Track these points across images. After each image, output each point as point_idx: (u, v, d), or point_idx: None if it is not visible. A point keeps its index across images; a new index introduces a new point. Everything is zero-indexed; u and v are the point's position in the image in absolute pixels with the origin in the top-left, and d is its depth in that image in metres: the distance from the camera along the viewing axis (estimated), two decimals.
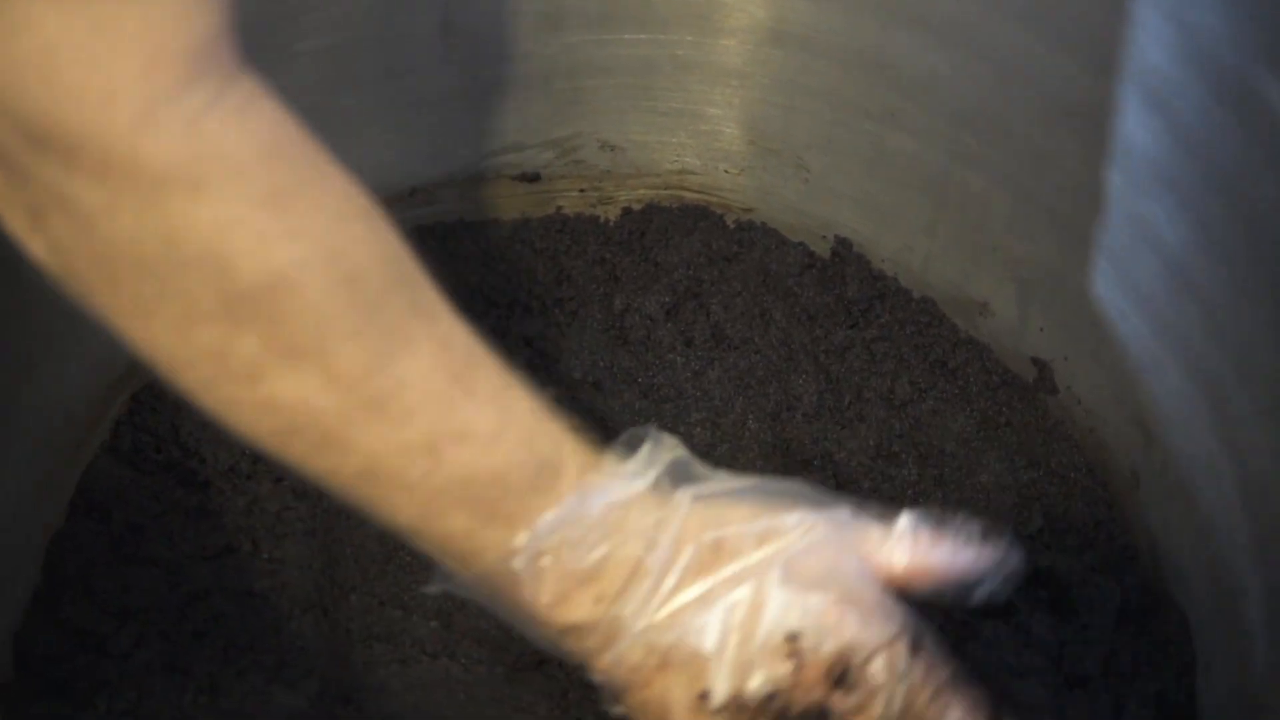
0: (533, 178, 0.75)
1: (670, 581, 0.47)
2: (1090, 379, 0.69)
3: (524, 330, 0.72)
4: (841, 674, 0.48)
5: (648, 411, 0.70)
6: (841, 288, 0.74)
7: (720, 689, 0.47)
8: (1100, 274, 0.65)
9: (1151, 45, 0.56)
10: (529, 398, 0.47)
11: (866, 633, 0.48)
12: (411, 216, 0.74)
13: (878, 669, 0.48)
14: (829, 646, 0.48)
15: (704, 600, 0.47)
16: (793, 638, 0.47)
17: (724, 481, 0.50)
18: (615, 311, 0.73)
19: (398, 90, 0.67)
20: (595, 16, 0.69)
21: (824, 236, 0.76)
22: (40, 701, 0.58)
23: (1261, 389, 0.56)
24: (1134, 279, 0.63)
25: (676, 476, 0.49)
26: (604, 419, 0.70)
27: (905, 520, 0.50)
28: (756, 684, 0.47)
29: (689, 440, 0.69)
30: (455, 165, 0.74)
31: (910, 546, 0.50)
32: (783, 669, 0.47)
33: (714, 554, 0.48)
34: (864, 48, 0.67)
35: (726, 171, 0.76)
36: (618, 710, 0.50)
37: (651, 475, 0.48)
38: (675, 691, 0.48)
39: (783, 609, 0.47)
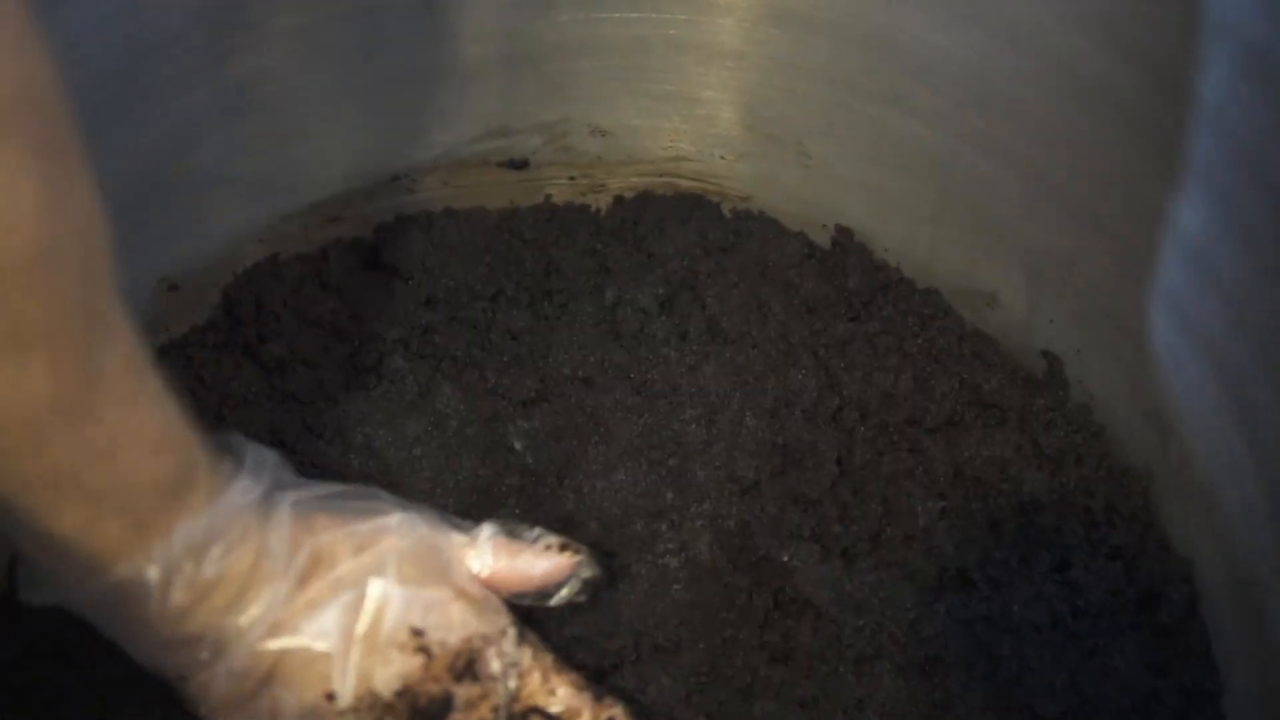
0: (520, 164, 0.73)
1: (283, 588, 0.49)
2: (1104, 373, 0.66)
3: (511, 324, 0.70)
4: (467, 664, 0.52)
5: (640, 408, 0.68)
6: (843, 279, 0.72)
7: (346, 688, 0.50)
8: (1115, 262, 0.62)
9: (1169, 19, 0.54)
10: (174, 399, 0.46)
11: (484, 625, 0.53)
12: (394, 204, 0.72)
13: (494, 657, 0.53)
14: (454, 639, 0.52)
15: (315, 603, 0.50)
16: (418, 633, 0.51)
17: (316, 489, 0.52)
18: (607, 304, 0.71)
19: (377, 70, 0.65)
20: None
21: (824, 225, 0.73)
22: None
23: None
24: (1151, 267, 0.60)
25: (278, 485, 0.51)
26: (595, 416, 0.67)
27: (487, 529, 0.55)
28: (387, 679, 0.51)
29: (684, 438, 0.67)
30: (439, 150, 0.71)
31: (492, 555, 0.55)
32: (413, 663, 0.51)
33: (323, 558, 0.50)
34: (868, 26, 0.64)
35: (723, 158, 0.73)
36: None
37: (263, 485, 0.49)
38: (288, 701, 0.50)
39: (404, 606, 0.51)
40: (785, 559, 0.63)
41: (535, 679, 0.55)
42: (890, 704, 0.60)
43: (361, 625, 0.51)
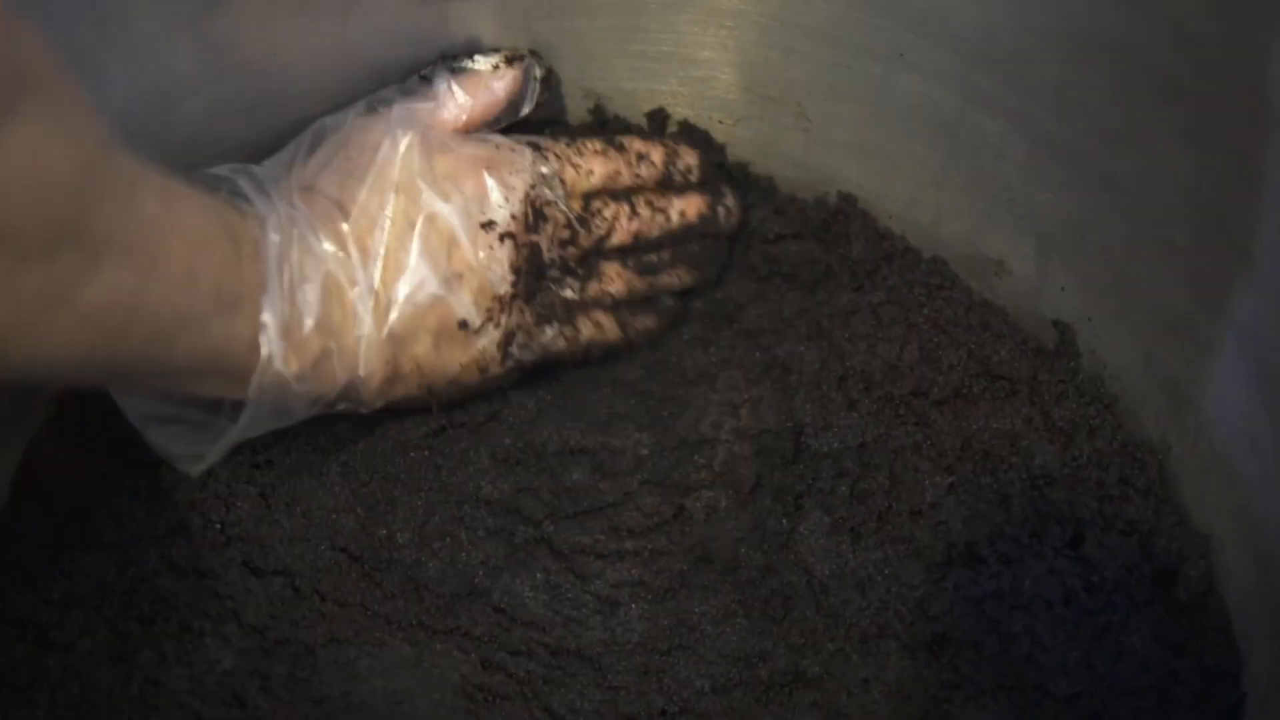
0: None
1: (359, 274, 0.54)
2: (1117, 341, 0.64)
3: None
4: (535, 213, 0.59)
5: (640, 384, 0.67)
6: (845, 247, 0.70)
7: (469, 308, 0.57)
8: (1128, 225, 0.60)
9: None
10: (191, 187, 0.50)
11: (516, 173, 0.59)
12: None
13: (541, 187, 0.59)
14: (514, 203, 0.58)
15: (398, 267, 0.55)
16: (489, 225, 0.57)
17: (293, 167, 0.58)
18: None
19: (360, 29, 0.63)
20: None
21: (825, 192, 0.71)
22: None
23: None
24: (1165, 229, 0.58)
25: (276, 190, 0.55)
26: (592, 378, 0.66)
27: (440, 80, 0.61)
28: (498, 281, 0.57)
29: (683, 410, 0.65)
30: None
31: (465, 96, 0.61)
32: (503, 252, 0.57)
33: (365, 224, 0.55)
34: None
35: (721, 122, 0.71)
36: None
37: (274, 202, 0.54)
38: (425, 345, 0.56)
39: (463, 213, 0.56)
40: (788, 535, 0.62)
41: (570, 172, 0.61)
42: (897, 684, 0.59)
43: (443, 255, 0.56)
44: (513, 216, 0.58)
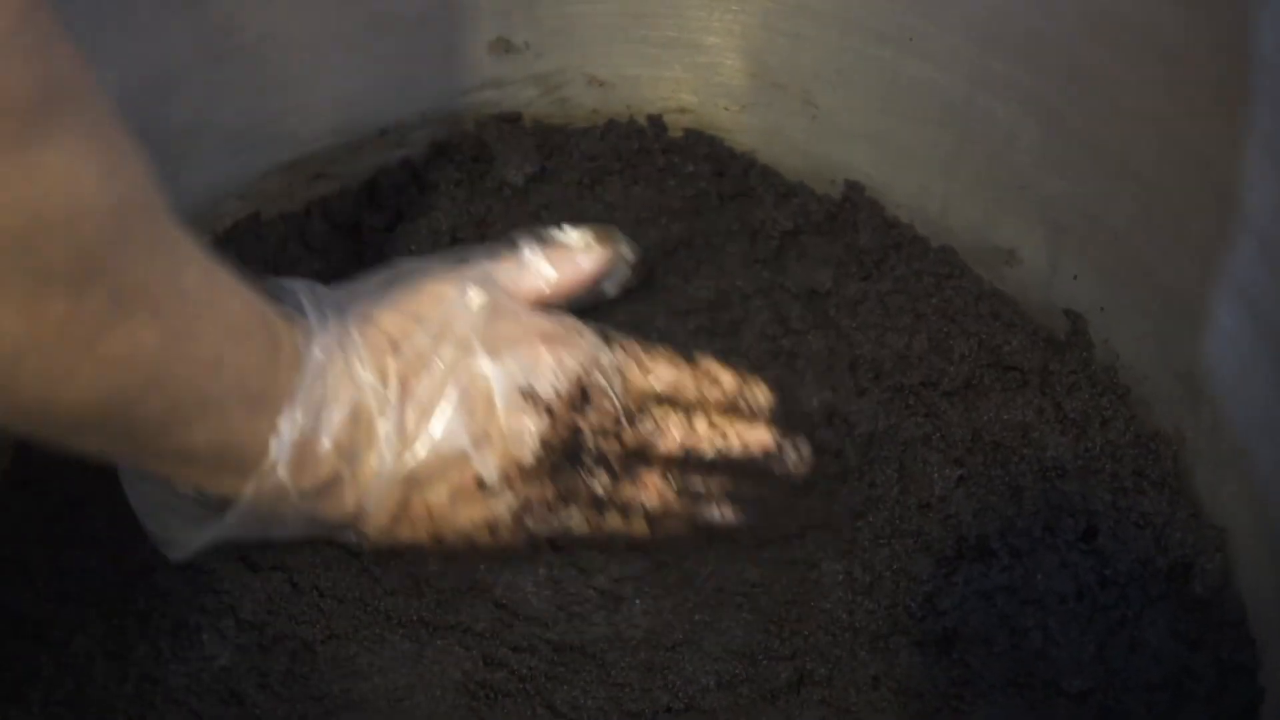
0: (513, 118, 0.70)
1: (391, 402, 0.52)
2: (1130, 331, 0.64)
3: None
4: (582, 396, 0.56)
5: None
6: (853, 236, 0.69)
7: (490, 471, 0.54)
8: (1143, 212, 0.59)
9: None
10: (238, 276, 0.48)
11: (576, 353, 0.56)
12: (381, 160, 0.69)
13: (597, 375, 0.57)
14: (562, 383, 0.56)
15: (427, 410, 0.53)
16: (530, 395, 0.55)
17: (359, 294, 0.56)
18: None
19: (364, 15, 0.62)
20: None
21: (833, 180, 0.70)
22: None
23: None
24: (1181, 215, 0.58)
25: (335, 310, 0.54)
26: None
27: (525, 248, 0.59)
28: (522, 447, 0.55)
29: None
30: (428, 103, 0.69)
31: (549, 267, 0.60)
32: (540, 422, 0.55)
33: (412, 364, 0.53)
34: None
35: (726, 109, 0.70)
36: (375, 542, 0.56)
37: (327, 321, 0.52)
38: (440, 493, 0.54)
39: (507, 376, 0.54)
40: (796, 528, 0.62)
41: (634, 370, 0.59)
42: (907, 680, 0.58)
43: (479, 408, 0.54)
44: (557, 393, 0.56)
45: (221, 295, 0.46)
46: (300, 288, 0.54)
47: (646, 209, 0.69)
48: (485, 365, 0.54)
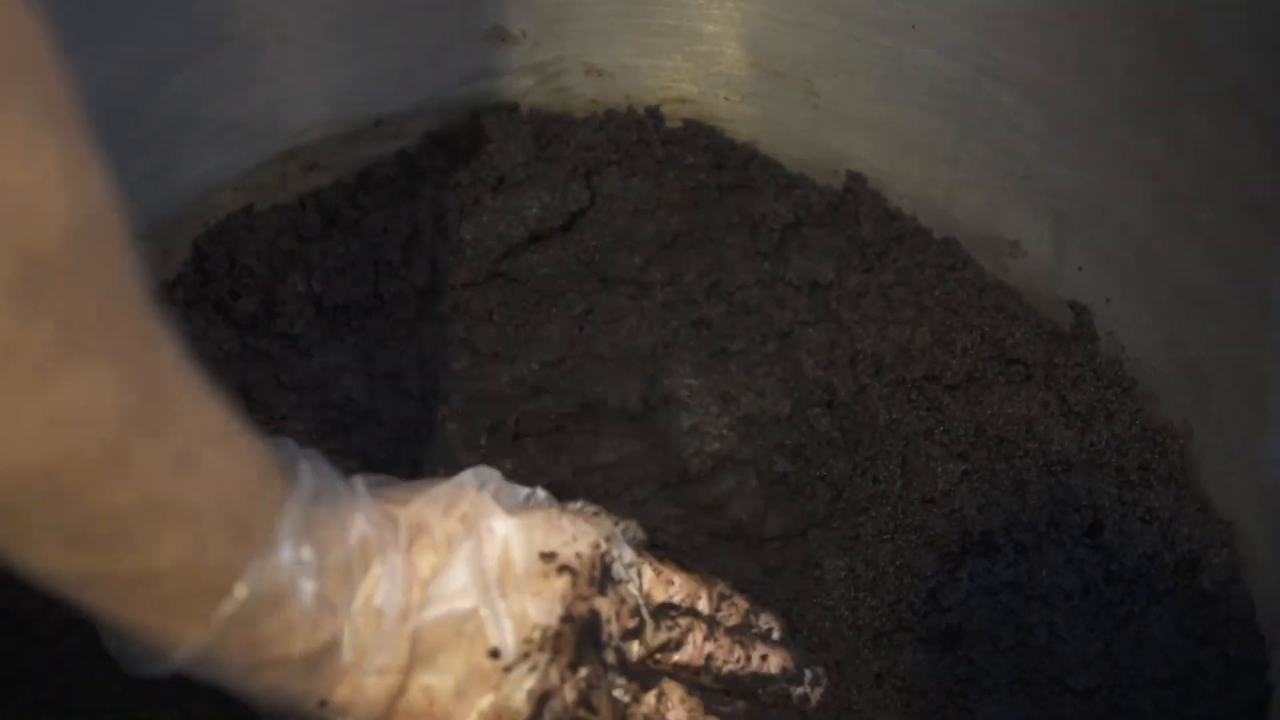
0: (510, 108, 0.69)
1: (397, 560, 0.45)
2: (1136, 322, 0.63)
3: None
4: (604, 573, 0.51)
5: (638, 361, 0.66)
6: (855, 228, 0.68)
7: (507, 637, 0.47)
8: (1151, 202, 0.59)
9: None
10: (216, 389, 0.40)
11: (597, 529, 0.51)
12: (376, 152, 0.68)
13: (616, 561, 0.52)
14: (584, 549, 0.50)
15: (437, 566, 0.46)
16: (550, 555, 0.49)
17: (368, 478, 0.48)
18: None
19: (355, 2, 0.61)
20: None
21: (835, 171, 0.69)
22: None
23: None
24: (1189, 205, 0.57)
25: (333, 472, 0.46)
26: (592, 360, 0.65)
27: (540, 497, 0.52)
28: (543, 612, 0.48)
29: (681, 395, 0.64)
30: (424, 94, 0.67)
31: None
32: (560, 584, 0.49)
33: (421, 524, 0.47)
34: None
35: (727, 99, 0.69)
36: None
37: (323, 470, 0.45)
38: (445, 683, 0.46)
39: (525, 533, 0.49)
40: (799, 525, 0.61)
41: (650, 574, 0.54)
42: (911, 677, 0.58)
43: (494, 568, 0.48)
44: (578, 555, 0.50)
45: (195, 390, 0.39)
46: (312, 456, 0.46)
47: (645, 201, 0.68)
48: (499, 519, 0.48)
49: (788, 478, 0.62)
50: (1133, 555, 0.59)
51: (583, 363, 0.65)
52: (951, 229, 0.68)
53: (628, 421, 0.64)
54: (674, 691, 0.53)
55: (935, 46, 0.62)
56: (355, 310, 0.64)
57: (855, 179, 0.69)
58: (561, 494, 0.60)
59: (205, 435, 0.38)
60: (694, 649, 0.54)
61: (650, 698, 0.52)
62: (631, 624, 0.52)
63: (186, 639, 0.40)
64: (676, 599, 0.54)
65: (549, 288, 0.66)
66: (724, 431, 0.64)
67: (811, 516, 0.61)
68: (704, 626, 0.54)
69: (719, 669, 0.54)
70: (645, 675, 0.52)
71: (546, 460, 0.62)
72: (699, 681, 0.54)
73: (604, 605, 0.50)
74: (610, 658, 0.51)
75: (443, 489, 0.48)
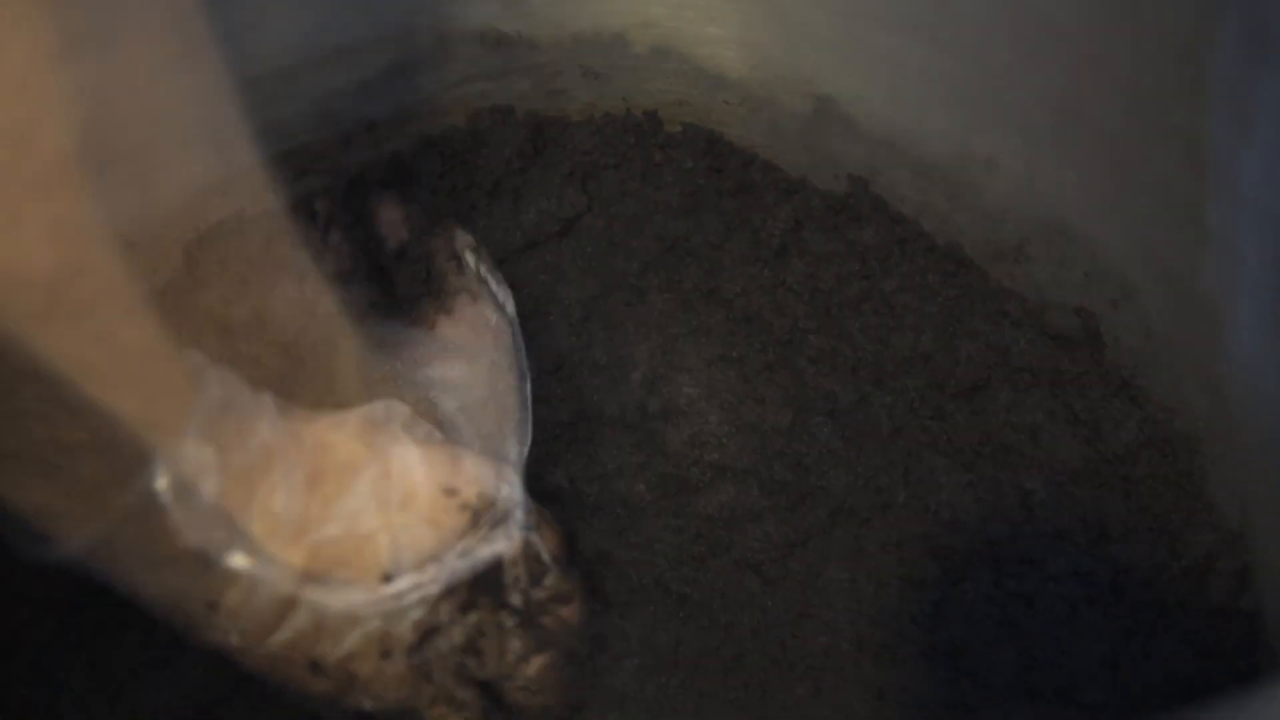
0: (505, 111, 0.68)
1: (299, 476, 0.45)
2: (1145, 328, 0.62)
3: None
4: (503, 515, 0.50)
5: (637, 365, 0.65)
6: (856, 233, 0.67)
7: (401, 565, 0.47)
8: (1160, 206, 0.57)
9: None
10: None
11: (494, 474, 0.50)
12: (368, 156, 0.68)
13: (515, 507, 0.51)
14: (486, 488, 0.50)
15: (341, 486, 0.46)
16: (453, 491, 0.49)
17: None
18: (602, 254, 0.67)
19: (348, 4, 0.60)
20: None
21: (836, 175, 0.68)
22: None
23: None
24: (1197, 206, 0.55)
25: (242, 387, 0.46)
26: (584, 385, 0.64)
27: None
28: (441, 545, 0.48)
29: (680, 403, 0.63)
30: (417, 96, 0.67)
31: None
32: (459, 521, 0.49)
33: (326, 443, 0.46)
34: None
35: (726, 102, 0.68)
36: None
37: (232, 382, 0.45)
38: (333, 604, 0.46)
39: (429, 471, 0.48)
40: (800, 536, 0.61)
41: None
42: (913, 693, 0.57)
43: (396, 496, 0.47)
44: (479, 495, 0.50)
45: (125, 267, 0.40)
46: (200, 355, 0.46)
47: (643, 206, 0.68)
48: (409, 453, 0.48)
49: (788, 487, 0.62)
50: (1141, 567, 0.58)
51: (580, 370, 0.64)
52: (955, 234, 0.67)
53: (625, 430, 0.63)
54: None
55: (941, 46, 0.60)
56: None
57: (857, 183, 0.68)
58: (558, 503, 0.60)
59: (126, 319, 0.39)
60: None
61: (539, 659, 0.52)
62: (536, 570, 0.52)
63: (86, 525, 0.41)
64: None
65: (545, 294, 0.65)
66: (724, 440, 0.63)
67: (812, 527, 0.61)
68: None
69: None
70: (543, 634, 0.53)
71: (543, 468, 0.62)
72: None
73: (505, 549, 0.50)
74: (516, 600, 0.51)
75: (352, 414, 0.48)
